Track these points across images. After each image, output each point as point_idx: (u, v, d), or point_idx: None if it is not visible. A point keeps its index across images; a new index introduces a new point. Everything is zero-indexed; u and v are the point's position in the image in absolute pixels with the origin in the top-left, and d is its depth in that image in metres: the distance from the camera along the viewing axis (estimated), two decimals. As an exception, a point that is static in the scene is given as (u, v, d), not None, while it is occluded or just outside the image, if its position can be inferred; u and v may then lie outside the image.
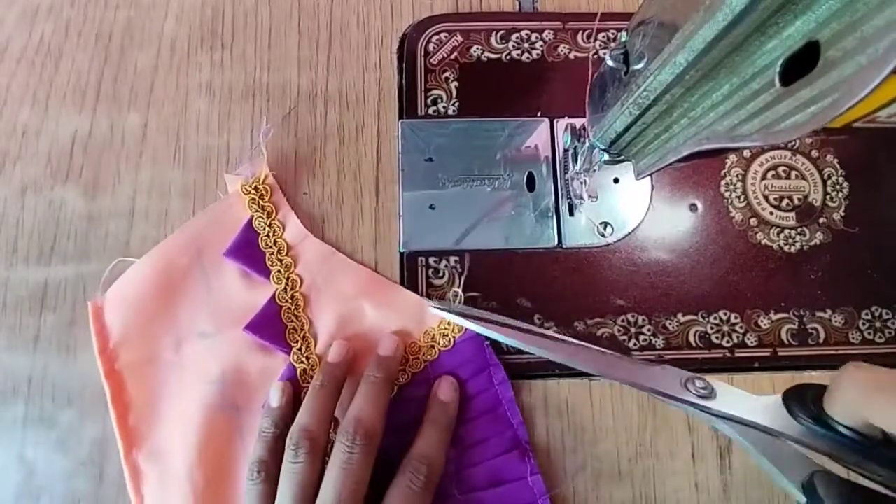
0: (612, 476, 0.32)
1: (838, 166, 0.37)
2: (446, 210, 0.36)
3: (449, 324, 0.33)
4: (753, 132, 0.17)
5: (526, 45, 0.39)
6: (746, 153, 0.37)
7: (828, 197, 0.37)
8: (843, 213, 0.36)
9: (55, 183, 0.36)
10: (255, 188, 0.35)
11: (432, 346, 0.33)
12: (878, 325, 0.35)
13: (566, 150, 0.36)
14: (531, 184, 0.37)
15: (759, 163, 0.37)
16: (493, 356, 0.33)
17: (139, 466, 0.32)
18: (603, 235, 0.36)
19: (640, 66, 0.22)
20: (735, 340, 0.35)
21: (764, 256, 0.36)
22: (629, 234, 0.36)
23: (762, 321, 0.35)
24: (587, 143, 0.31)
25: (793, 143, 0.37)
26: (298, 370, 0.33)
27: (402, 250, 0.35)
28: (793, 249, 0.36)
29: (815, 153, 0.37)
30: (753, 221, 0.36)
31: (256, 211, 0.35)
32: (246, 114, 0.37)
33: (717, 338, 0.35)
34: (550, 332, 0.33)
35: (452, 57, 0.38)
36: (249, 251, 0.34)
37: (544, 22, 0.39)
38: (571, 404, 0.33)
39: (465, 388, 0.32)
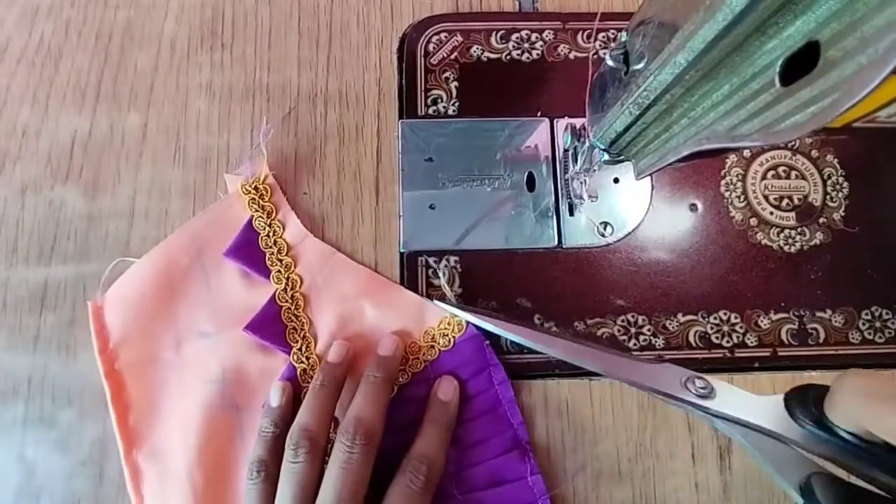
0: (612, 476, 0.32)
1: (838, 166, 0.37)
2: (446, 210, 0.36)
3: (449, 324, 0.33)
4: (753, 132, 0.17)
5: (526, 45, 0.39)
6: (746, 153, 0.37)
7: (828, 197, 0.37)
8: (843, 213, 0.36)
9: (55, 183, 0.36)
10: (255, 188, 0.35)
11: (432, 346, 0.33)
12: (878, 325, 0.35)
13: (566, 150, 0.36)
14: (531, 184, 0.37)
15: (759, 163, 0.37)
16: (493, 356, 0.33)
17: (139, 466, 0.32)
18: (603, 235, 0.36)
19: (640, 66, 0.22)
20: (735, 340, 0.35)
21: (764, 256, 0.36)
22: (629, 234, 0.36)
23: (762, 321, 0.35)
24: (587, 143, 0.31)
25: (793, 143, 0.37)
26: (298, 370, 0.33)
27: (402, 250, 0.35)
28: (793, 249, 0.36)
29: (815, 153, 0.37)
30: (753, 221, 0.36)
31: (256, 211, 0.35)
32: (246, 114, 0.37)
33: (717, 338, 0.35)
34: (551, 332, 0.33)
35: (452, 57, 0.38)
36: (249, 251, 0.34)
37: (544, 22, 0.39)
38: (571, 404, 0.33)
39: (466, 388, 0.32)
